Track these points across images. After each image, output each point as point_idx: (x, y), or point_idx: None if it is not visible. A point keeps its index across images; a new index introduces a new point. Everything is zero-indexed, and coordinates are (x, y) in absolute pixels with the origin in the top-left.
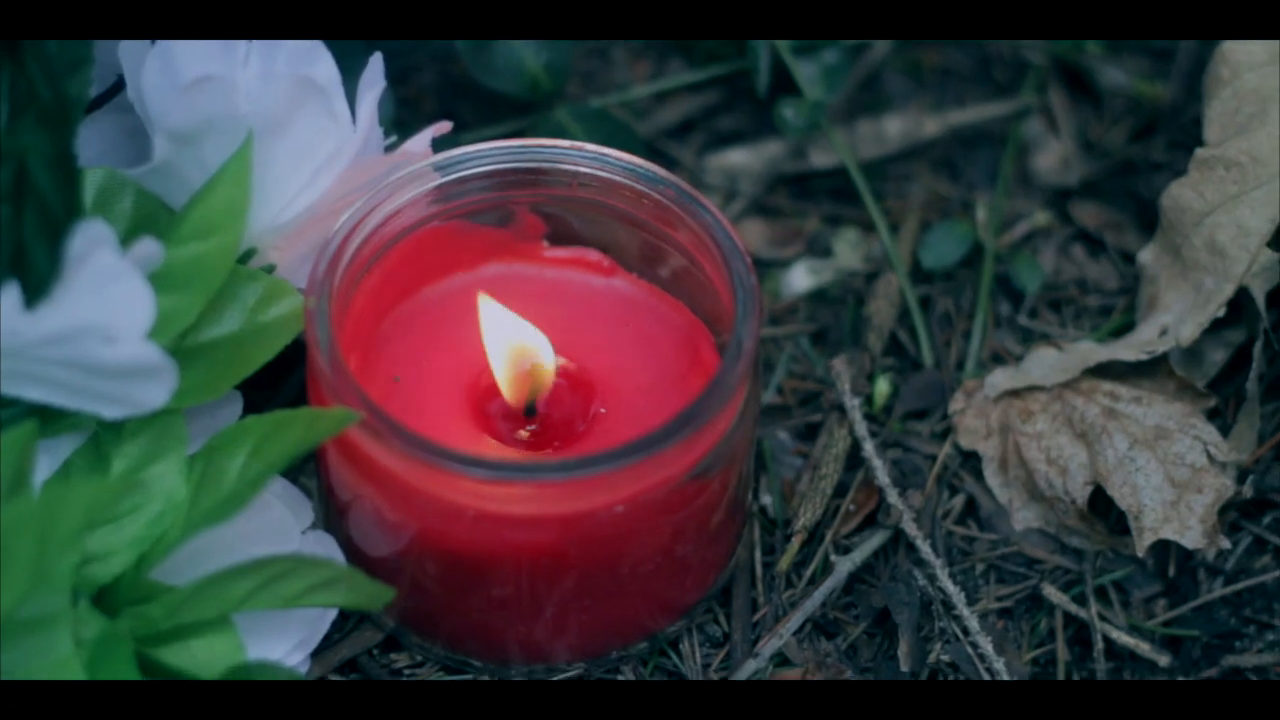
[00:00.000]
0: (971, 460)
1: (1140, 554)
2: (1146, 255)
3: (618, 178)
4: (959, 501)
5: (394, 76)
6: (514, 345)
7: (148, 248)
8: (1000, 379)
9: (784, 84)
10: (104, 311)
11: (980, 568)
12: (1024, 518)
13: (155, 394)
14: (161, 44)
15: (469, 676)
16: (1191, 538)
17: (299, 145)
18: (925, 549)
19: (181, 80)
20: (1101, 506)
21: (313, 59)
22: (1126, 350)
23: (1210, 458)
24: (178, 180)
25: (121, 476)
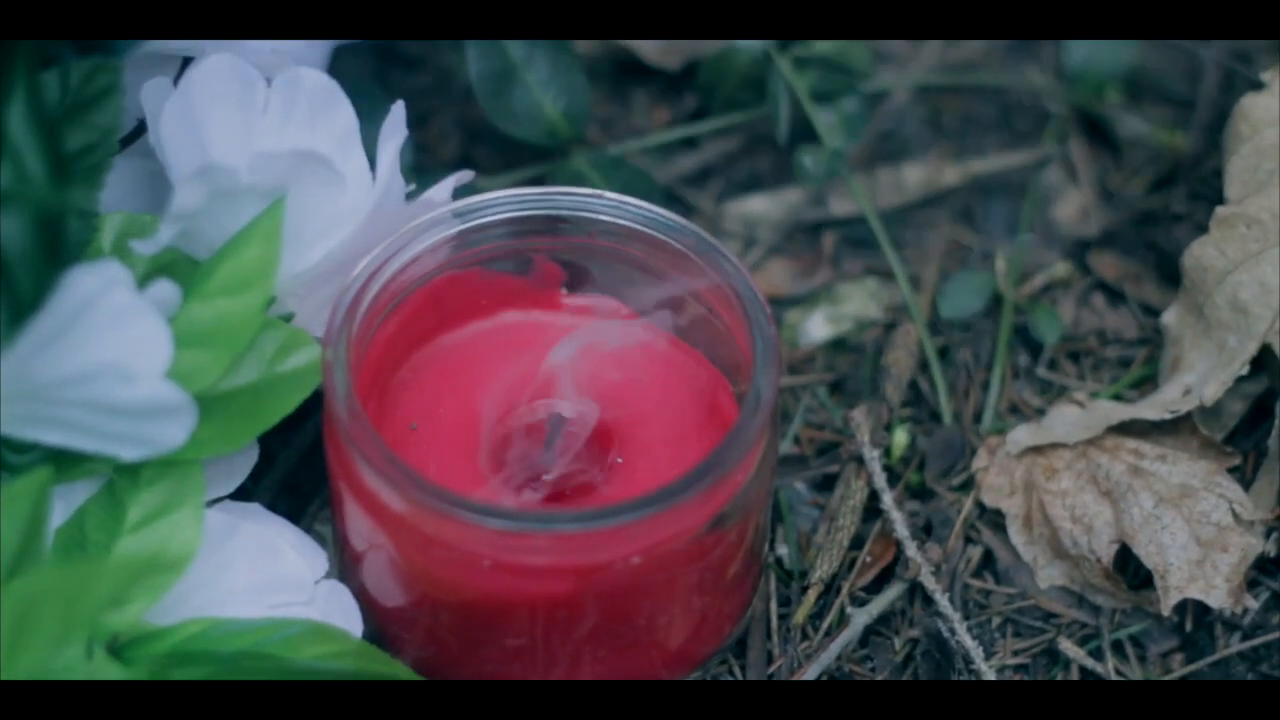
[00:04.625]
0: (989, 513)
1: (1165, 613)
2: (1170, 317)
3: (637, 226)
4: (976, 554)
5: (412, 121)
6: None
7: (165, 290)
8: (1022, 435)
9: (803, 132)
10: (121, 351)
11: (996, 621)
12: (1048, 575)
13: (174, 433)
14: (180, 90)
15: None
16: (1217, 597)
17: (308, 203)
18: (943, 602)
19: (199, 127)
20: (1119, 561)
21: (332, 105)
22: (1150, 410)
23: (1236, 516)
24: (196, 238)
25: (153, 553)
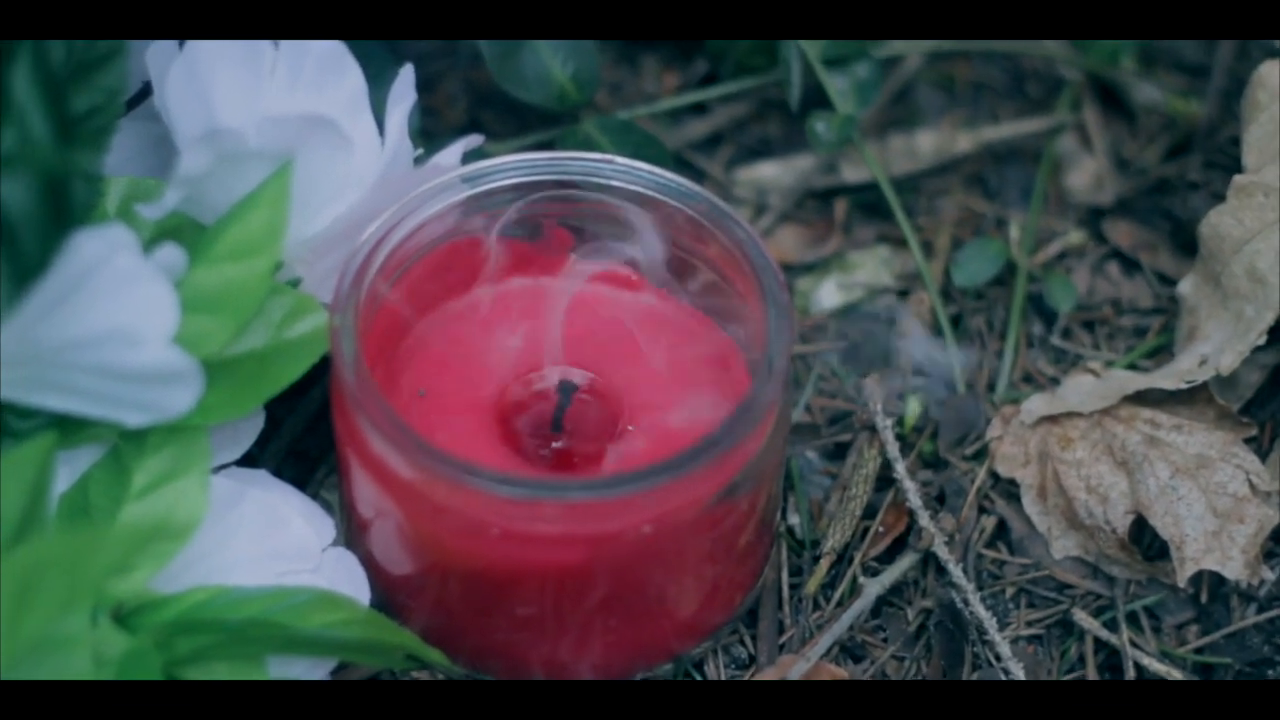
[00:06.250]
0: (1003, 483)
1: (1181, 584)
2: (1186, 286)
3: (648, 191)
4: (989, 524)
5: (420, 85)
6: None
7: (171, 254)
8: (1037, 404)
9: (815, 97)
10: (127, 315)
11: (1010, 591)
12: (1063, 546)
13: (180, 399)
14: (186, 53)
15: None
16: (1233, 569)
17: (316, 168)
18: (956, 573)
19: (205, 90)
20: (1134, 532)
21: (340, 68)
22: (1166, 379)
23: (1253, 487)
24: (203, 202)
25: (158, 520)
